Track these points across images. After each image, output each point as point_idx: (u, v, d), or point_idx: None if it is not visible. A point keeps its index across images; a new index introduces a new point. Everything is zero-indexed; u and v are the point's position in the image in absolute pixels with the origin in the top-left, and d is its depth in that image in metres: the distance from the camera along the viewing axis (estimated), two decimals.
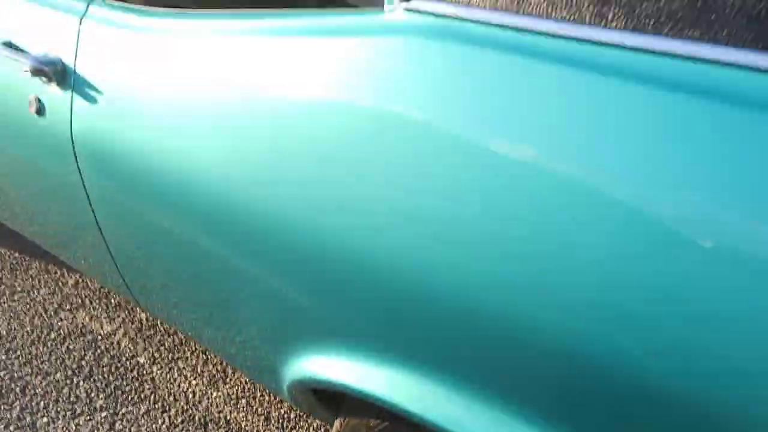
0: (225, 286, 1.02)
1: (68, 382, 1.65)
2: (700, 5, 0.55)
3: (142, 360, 1.74)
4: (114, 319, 1.87)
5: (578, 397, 0.65)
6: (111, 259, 1.29)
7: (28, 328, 1.82)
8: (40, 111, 1.15)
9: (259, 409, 1.60)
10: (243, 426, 1.55)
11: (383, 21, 0.74)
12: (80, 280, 2.02)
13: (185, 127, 0.92)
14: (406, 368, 0.82)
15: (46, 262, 2.10)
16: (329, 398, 1.10)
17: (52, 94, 1.12)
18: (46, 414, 1.56)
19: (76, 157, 1.12)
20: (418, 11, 0.72)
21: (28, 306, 1.90)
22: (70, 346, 1.77)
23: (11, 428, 1.52)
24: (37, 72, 1.09)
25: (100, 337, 1.80)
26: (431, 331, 0.75)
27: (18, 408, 1.58)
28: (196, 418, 1.57)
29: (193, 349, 1.77)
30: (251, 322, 1.04)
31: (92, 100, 1.06)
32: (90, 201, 1.17)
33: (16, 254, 2.13)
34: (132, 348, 1.77)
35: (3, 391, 1.62)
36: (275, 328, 0.99)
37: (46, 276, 2.04)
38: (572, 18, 0.62)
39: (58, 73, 1.09)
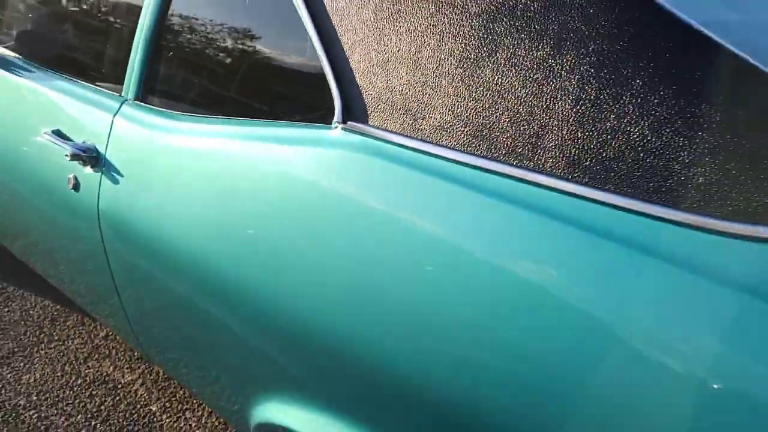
0: (212, 343, 1.21)
1: (87, 424, 1.85)
2: (534, 144, 0.74)
3: (154, 408, 1.92)
4: (135, 370, 2.07)
5: None
6: (125, 317, 1.50)
7: (59, 374, 2.04)
8: (76, 187, 1.39)
9: None
10: None
11: (327, 135, 0.95)
12: (110, 333, 2.24)
13: (183, 208, 1.14)
14: (346, 421, 0.99)
15: (82, 316, 2.33)
16: None
17: (86, 174, 1.36)
18: None
19: (100, 227, 1.35)
20: (351, 131, 0.92)
21: (61, 354, 2.13)
22: (93, 392, 1.97)
23: None
24: (75, 156, 1.34)
25: (120, 386, 2.00)
26: (364, 394, 0.92)
27: None
28: None
29: (200, 401, 1.95)
30: (233, 378, 1.22)
31: (116, 182, 1.29)
32: (109, 265, 1.39)
33: (58, 307, 2.38)
34: (147, 397, 1.96)
35: (30, 428, 1.82)
36: (249, 382, 1.17)
37: (80, 328, 2.27)
38: (453, 146, 0.81)
39: (92, 158, 1.33)
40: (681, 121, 0.64)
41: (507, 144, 0.76)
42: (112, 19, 1.47)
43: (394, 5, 0.89)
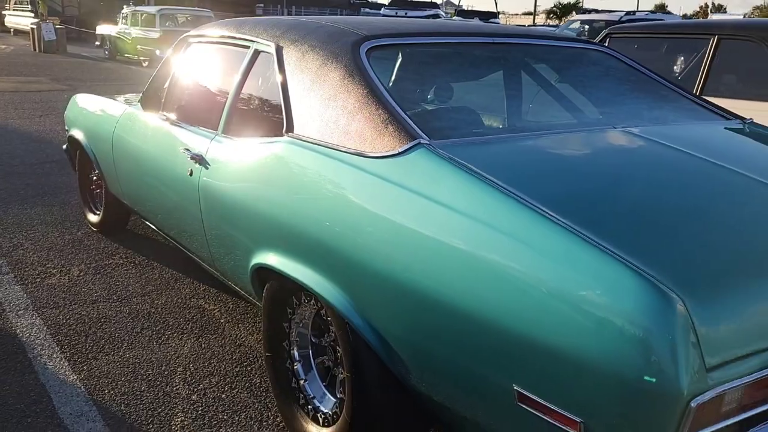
0: (239, 240, 2.55)
1: (185, 324, 3.24)
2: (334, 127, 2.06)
3: (222, 320, 3.28)
4: (217, 303, 3.45)
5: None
6: (206, 241, 2.88)
7: (174, 302, 3.47)
8: (191, 174, 2.83)
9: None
10: (258, 353, 3.00)
11: (281, 139, 2.31)
12: (207, 289, 3.66)
13: (229, 182, 2.53)
14: (302, 259, 2.27)
15: (193, 279, 3.78)
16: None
17: (196, 167, 2.80)
18: (172, 330, 3.15)
19: (198, 193, 2.77)
20: (293, 137, 2.28)
21: (178, 294, 3.57)
22: (189, 312, 3.37)
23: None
24: (192, 159, 2.79)
25: (205, 310, 3.39)
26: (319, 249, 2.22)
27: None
28: (240, 349, 3.06)
29: (254, 320, 3.28)
30: (246, 249, 2.54)
31: (206, 172, 2.71)
32: (201, 212, 2.80)
33: (180, 274, 3.85)
34: (218, 315, 3.33)
35: (150, 322, 3.24)
36: (251, 245, 2.48)
37: (192, 284, 3.71)
38: (322, 141, 2.15)
39: (199, 159, 2.78)
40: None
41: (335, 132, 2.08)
42: (217, 96, 2.97)
43: (309, 90, 2.26)
